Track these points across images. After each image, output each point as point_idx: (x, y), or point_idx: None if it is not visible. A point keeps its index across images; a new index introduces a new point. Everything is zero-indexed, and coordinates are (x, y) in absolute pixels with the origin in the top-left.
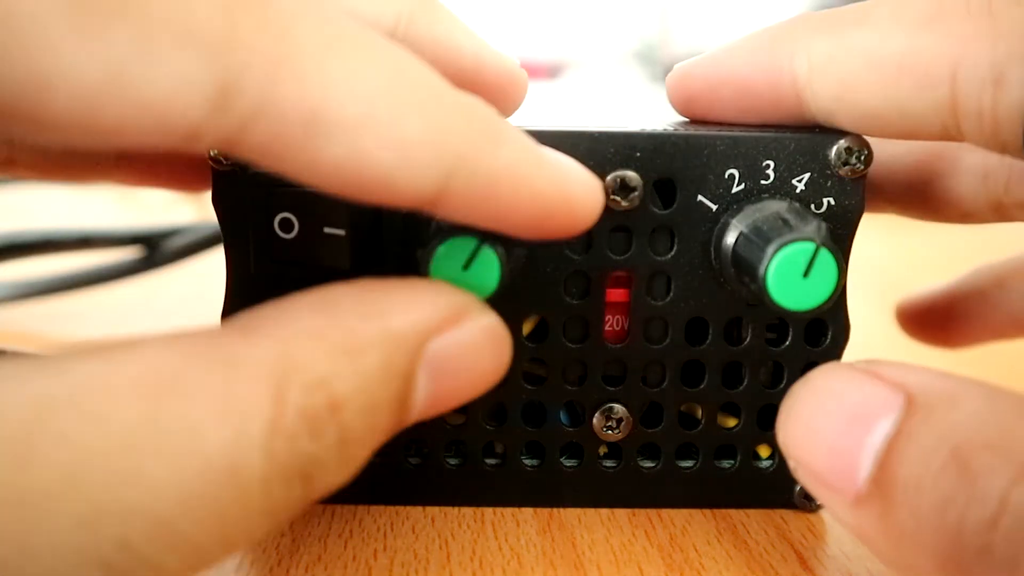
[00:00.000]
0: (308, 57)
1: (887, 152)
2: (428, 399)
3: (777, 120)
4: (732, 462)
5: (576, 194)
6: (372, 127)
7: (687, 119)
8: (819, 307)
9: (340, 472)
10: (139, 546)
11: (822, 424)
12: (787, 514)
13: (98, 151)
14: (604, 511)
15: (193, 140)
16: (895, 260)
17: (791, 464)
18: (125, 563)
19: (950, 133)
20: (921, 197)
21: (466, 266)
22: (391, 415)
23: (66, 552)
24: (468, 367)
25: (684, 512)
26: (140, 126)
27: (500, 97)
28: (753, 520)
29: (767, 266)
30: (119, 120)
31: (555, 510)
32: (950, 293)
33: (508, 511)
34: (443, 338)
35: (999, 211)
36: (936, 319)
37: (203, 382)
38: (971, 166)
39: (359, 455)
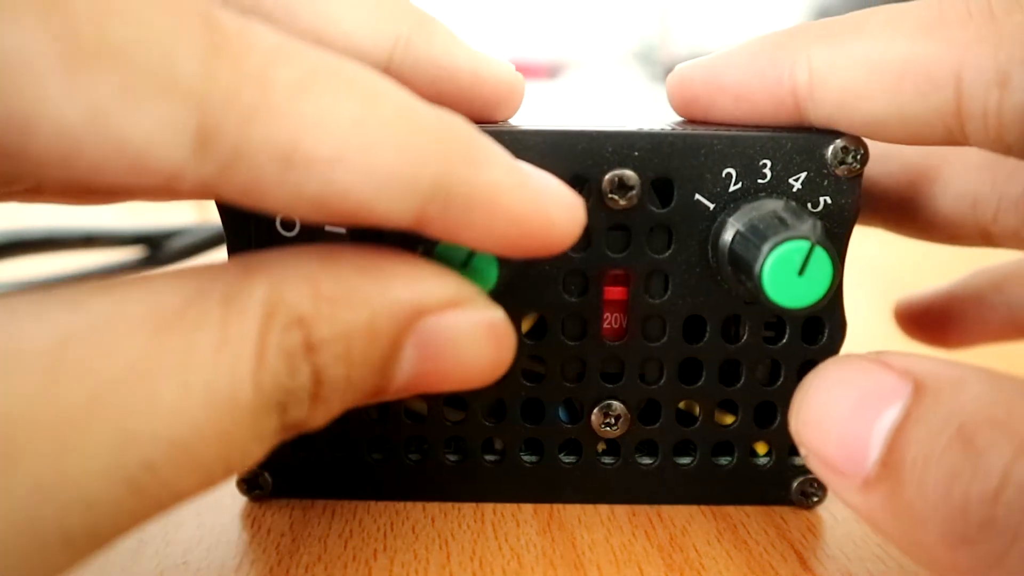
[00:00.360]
0: (282, 99)
1: (877, 170)
2: (413, 374)
3: (774, 127)
4: (729, 459)
5: (554, 215)
6: (346, 162)
7: (685, 120)
8: (814, 305)
9: (313, 413)
10: (161, 467)
11: (833, 411)
12: (787, 514)
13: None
14: (604, 511)
15: (173, 183)
16: (895, 259)
17: (803, 453)
18: (150, 483)
19: (954, 137)
20: (910, 217)
21: (464, 264)
22: (370, 374)
23: (97, 474)
24: (460, 353)
25: (684, 512)
26: (119, 168)
27: (498, 106)
28: (753, 520)
29: (762, 264)
30: (99, 161)
31: (555, 510)
32: (949, 295)
33: (508, 511)
34: (439, 317)
35: (986, 238)
36: (934, 320)
37: (203, 318)
38: (960, 192)
39: (332, 401)
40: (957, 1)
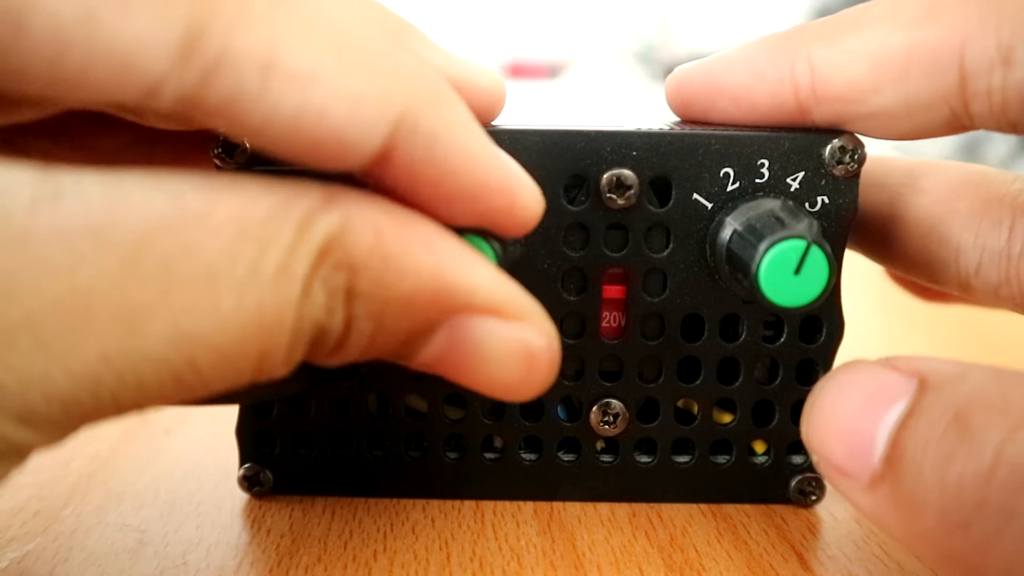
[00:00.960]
0: (263, 12)
1: (869, 199)
2: (437, 357)
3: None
4: (728, 457)
5: (516, 185)
6: (322, 79)
7: (683, 121)
8: (810, 304)
9: (335, 354)
10: (203, 367)
11: (840, 414)
12: (787, 514)
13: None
14: (604, 511)
15: (154, 94)
16: None
17: (814, 459)
18: (191, 381)
19: (960, 121)
20: (895, 254)
21: None
22: (392, 342)
23: (152, 360)
24: (485, 362)
25: (684, 512)
26: (104, 72)
27: (479, 112)
28: (753, 520)
29: (759, 263)
30: (85, 64)
31: (555, 510)
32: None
33: (508, 511)
34: (479, 320)
35: (966, 289)
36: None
37: (277, 236)
38: (944, 236)
39: (352, 351)
40: None
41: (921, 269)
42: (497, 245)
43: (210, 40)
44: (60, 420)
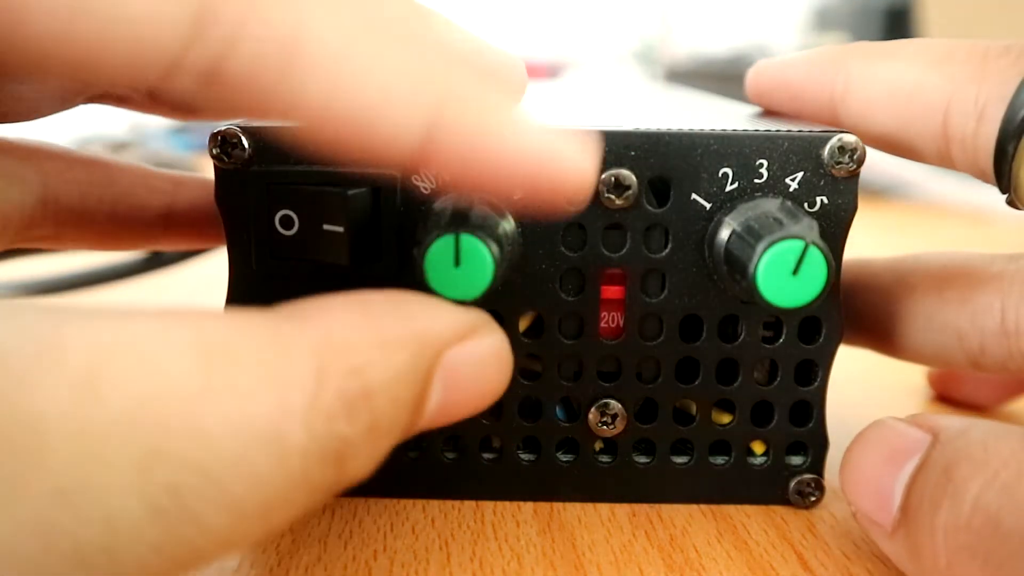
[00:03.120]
0: None
1: (860, 299)
2: (439, 406)
3: (819, 125)
4: (726, 458)
5: (567, 154)
6: (352, 60)
7: (759, 108)
8: (808, 305)
9: (368, 460)
10: (187, 495)
11: (867, 467)
12: (787, 514)
13: (78, 95)
14: (604, 511)
15: (171, 73)
16: None
17: (852, 511)
18: (173, 510)
19: (944, 159)
20: (898, 346)
21: (459, 263)
22: (410, 414)
23: (119, 488)
24: (476, 380)
25: (684, 512)
26: (114, 53)
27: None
28: (753, 520)
29: (756, 263)
30: (93, 43)
31: (555, 510)
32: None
33: (508, 511)
34: (459, 349)
35: (977, 367)
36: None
37: (252, 353)
38: (942, 325)
39: (384, 446)
40: (966, 44)
41: (931, 359)
42: (494, 246)
43: (223, 16)
44: None
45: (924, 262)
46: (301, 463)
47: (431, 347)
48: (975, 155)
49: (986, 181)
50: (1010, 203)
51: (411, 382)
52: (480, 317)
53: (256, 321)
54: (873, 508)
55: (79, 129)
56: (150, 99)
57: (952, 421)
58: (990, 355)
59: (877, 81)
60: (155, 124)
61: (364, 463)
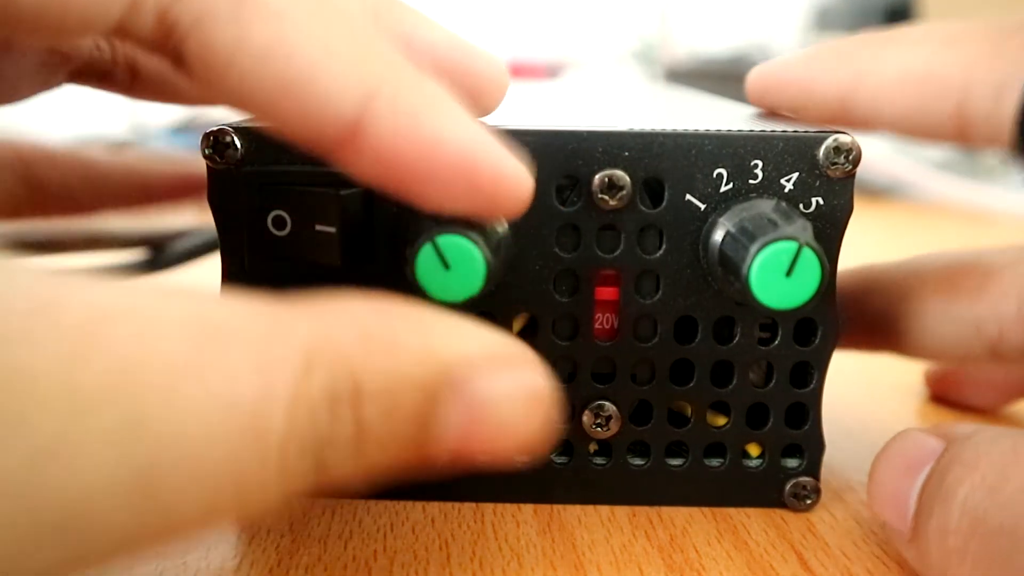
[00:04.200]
0: None
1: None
2: (460, 436)
3: (827, 122)
4: (721, 461)
5: (499, 161)
6: (293, 18)
7: (760, 110)
8: (802, 306)
9: (353, 465)
10: (164, 469)
11: (888, 478)
12: (787, 514)
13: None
14: (604, 511)
15: (134, 9)
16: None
17: (881, 522)
18: (149, 480)
19: (963, 137)
20: (916, 345)
21: (448, 266)
22: (408, 429)
23: (99, 455)
24: (505, 416)
25: (684, 513)
26: None
27: (480, 95)
28: (753, 521)
29: (750, 264)
30: None
31: (555, 510)
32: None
33: (508, 511)
34: (488, 378)
35: (997, 357)
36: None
37: (245, 334)
38: (959, 317)
39: (374, 455)
40: (978, 23)
41: (950, 353)
42: (486, 248)
43: None
44: None
45: (934, 259)
46: (278, 451)
47: (440, 364)
48: (997, 132)
49: (1008, 157)
50: None
51: (410, 395)
52: (518, 350)
53: (255, 305)
54: (894, 517)
55: (79, 129)
56: (131, 75)
57: (963, 428)
58: (1009, 342)
59: (888, 67)
60: (155, 124)
61: (348, 467)
